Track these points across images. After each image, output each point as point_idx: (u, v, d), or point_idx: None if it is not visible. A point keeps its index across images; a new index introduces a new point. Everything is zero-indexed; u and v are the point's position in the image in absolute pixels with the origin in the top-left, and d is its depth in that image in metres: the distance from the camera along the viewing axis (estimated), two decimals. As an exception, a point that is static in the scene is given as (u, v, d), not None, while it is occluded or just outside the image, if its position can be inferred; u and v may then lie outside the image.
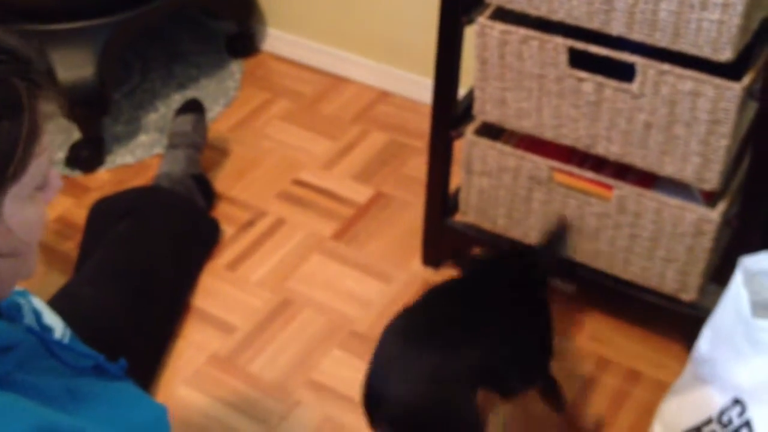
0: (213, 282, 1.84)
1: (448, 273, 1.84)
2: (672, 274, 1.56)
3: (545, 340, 1.47)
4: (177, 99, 2.30)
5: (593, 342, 1.70)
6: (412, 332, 1.34)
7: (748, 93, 1.36)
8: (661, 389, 1.56)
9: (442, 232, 1.80)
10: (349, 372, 1.66)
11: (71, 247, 1.91)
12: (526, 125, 1.56)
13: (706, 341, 1.36)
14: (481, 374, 1.33)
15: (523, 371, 1.45)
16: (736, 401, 1.27)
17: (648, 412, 1.53)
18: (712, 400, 1.32)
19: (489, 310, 1.38)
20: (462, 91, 1.67)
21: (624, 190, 1.53)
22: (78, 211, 2.00)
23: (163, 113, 2.26)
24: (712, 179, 1.43)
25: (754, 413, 1.24)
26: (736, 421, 1.26)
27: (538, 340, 1.46)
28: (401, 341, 1.32)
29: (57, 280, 1.75)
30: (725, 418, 1.29)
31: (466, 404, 1.30)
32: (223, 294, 1.81)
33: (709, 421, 1.32)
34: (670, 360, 1.66)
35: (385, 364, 1.31)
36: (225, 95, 2.33)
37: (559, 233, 1.57)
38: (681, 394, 1.42)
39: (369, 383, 1.32)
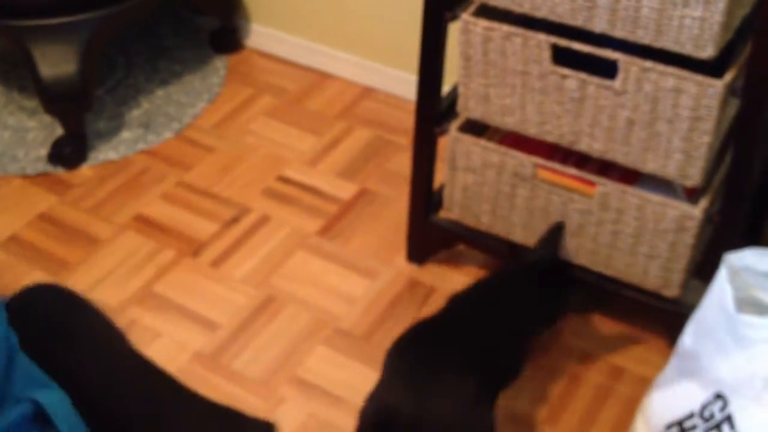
0: (196, 279, 1.83)
1: (432, 269, 1.84)
2: (655, 270, 1.57)
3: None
4: (160, 95, 2.29)
5: (576, 338, 1.71)
6: (429, 350, 1.34)
7: (730, 90, 1.37)
8: (644, 385, 1.57)
9: (427, 228, 1.80)
10: (334, 369, 1.66)
11: (54, 245, 1.90)
12: (510, 122, 1.56)
13: (689, 336, 1.37)
14: (497, 389, 1.37)
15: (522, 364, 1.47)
16: (718, 396, 1.28)
17: (631, 408, 1.54)
18: (695, 395, 1.33)
19: (501, 323, 1.42)
20: (446, 88, 1.67)
21: (607, 186, 1.53)
22: (61, 208, 1.99)
23: (146, 109, 2.25)
24: (694, 175, 1.44)
25: (735, 408, 1.24)
26: (718, 416, 1.27)
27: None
28: (416, 360, 1.33)
29: (39, 278, 1.74)
30: (707, 413, 1.29)
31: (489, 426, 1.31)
32: (207, 291, 1.81)
33: (691, 416, 1.33)
34: (653, 355, 1.67)
35: (400, 383, 1.31)
36: (209, 91, 2.32)
37: (554, 236, 1.58)
38: (663, 389, 1.43)
39: (380, 399, 1.32)
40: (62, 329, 1.31)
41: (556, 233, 1.59)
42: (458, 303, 1.47)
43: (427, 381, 1.30)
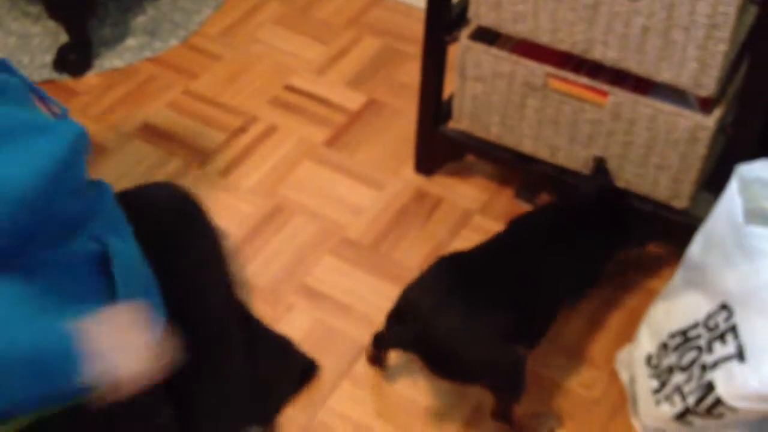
0: (204, 189, 1.83)
1: (440, 181, 1.83)
2: (665, 182, 1.56)
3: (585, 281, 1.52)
4: (166, 1, 2.24)
5: (584, 249, 1.71)
6: (470, 271, 1.36)
7: (749, -4, 1.34)
8: (650, 295, 1.58)
9: (435, 139, 1.78)
10: (341, 278, 1.67)
11: (61, 152, 1.89)
12: (522, 29, 1.52)
13: (697, 247, 1.37)
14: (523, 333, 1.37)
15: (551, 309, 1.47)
16: (724, 306, 1.29)
17: (637, 318, 1.55)
18: (700, 305, 1.34)
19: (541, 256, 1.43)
20: (457, -6, 1.63)
21: (619, 96, 1.51)
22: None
23: (151, 15, 2.21)
24: (708, 85, 1.41)
25: (740, 318, 1.25)
26: (722, 326, 1.28)
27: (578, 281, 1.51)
28: (456, 276, 1.34)
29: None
30: (712, 323, 1.30)
31: (496, 341, 1.32)
32: (215, 201, 1.80)
33: (695, 325, 1.34)
34: (660, 267, 1.67)
35: (432, 290, 1.33)
36: (215, -2, 2.27)
37: (600, 173, 1.58)
38: (670, 299, 1.43)
39: (408, 300, 1.33)
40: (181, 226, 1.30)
41: (602, 168, 1.58)
42: (515, 238, 1.48)
43: (456, 298, 1.32)
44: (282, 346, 1.46)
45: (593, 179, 1.58)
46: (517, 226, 1.52)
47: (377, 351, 1.47)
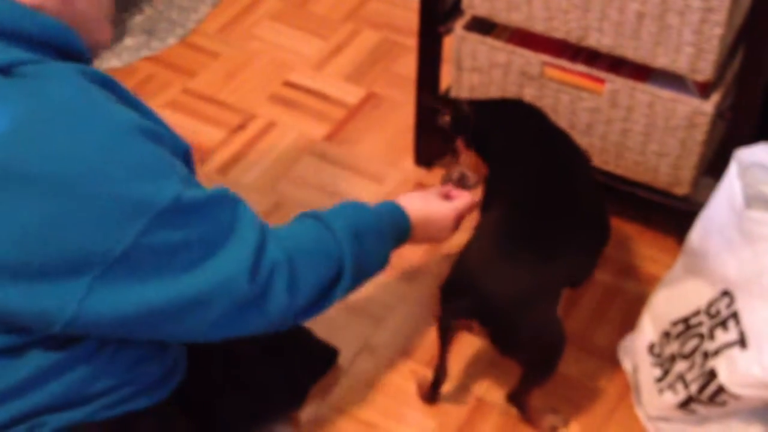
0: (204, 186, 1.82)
1: (440, 173, 1.82)
2: (665, 168, 1.55)
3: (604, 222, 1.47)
4: (163, 0, 2.24)
5: (586, 238, 1.70)
6: (510, 233, 1.33)
7: (744, -21, 1.32)
8: (652, 283, 1.57)
9: (434, 131, 1.77)
10: (341, 272, 1.66)
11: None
12: (516, 18, 1.51)
13: (698, 233, 1.36)
14: (569, 276, 1.35)
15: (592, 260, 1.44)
16: (725, 293, 1.28)
17: (639, 306, 1.54)
18: (702, 292, 1.33)
19: (572, 205, 1.38)
20: (451, -15, 1.62)
21: (616, 83, 1.50)
22: (66, 118, 1.98)
23: (148, 15, 2.21)
24: (705, 69, 1.40)
25: (741, 305, 1.24)
26: (724, 313, 1.27)
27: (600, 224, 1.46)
28: (501, 238, 1.32)
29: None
30: (713, 310, 1.29)
31: (553, 311, 1.31)
32: (215, 198, 1.80)
33: (697, 312, 1.33)
34: (662, 254, 1.66)
35: (482, 257, 1.31)
36: (212, -5, 2.27)
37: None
38: (671, 287, 1.43)
39: (463, 269, 1.32)
40: None
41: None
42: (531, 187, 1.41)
43: (502, 261, 1.30)
44: (299, 334, 1.46)
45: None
46: (516, 171, 1.44)
47: (443, 333, 1.37)
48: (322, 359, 1.48)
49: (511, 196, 1.38)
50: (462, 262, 1.33)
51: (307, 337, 1.46)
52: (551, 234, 1.33)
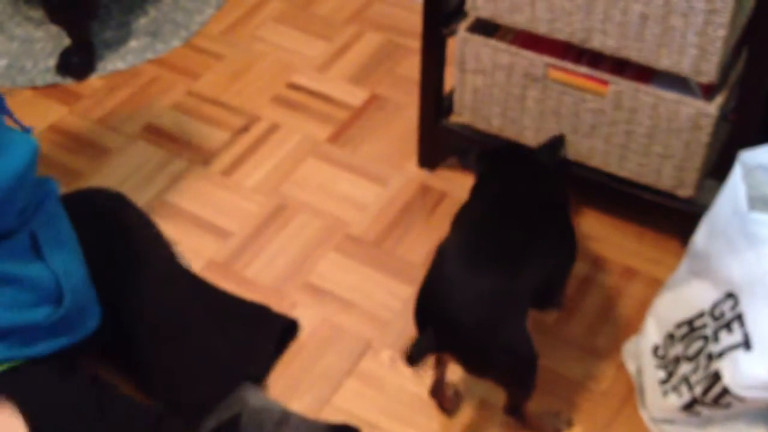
0: (208, 188, 1.83)
1: (443, 175, 1.83)
2: (669, 171, 1.54)
3: (571, 241, 1.47)
4: (167, 1, 2.25)
5: (589, 240, 1.69)
6: (471, 250, 1.31)
7: (748, -20, 1.32)
8: (656, 286, 1.57)
9: (438, 133, 1.77)
10: (345, 274, 1.66)
11: (66, 156, 1.90)
12: (520, 20, 1.51)
13: (702, 236, 1.35)
14: (535, 293, 1.34)
15: (560, 278, 1.45)
16: (729, 295, 1.27)
17: (643, 308, 1.54)
18: (706, 294, 1.32)
19: (535, 223, 1.37)
20: (455, -13, 1.62)
21: (620, 85, 1.49)
22: (71, 119, 1.98)
23: (153, 17, 2.21)
24: (709, 71, 1.40)
25: (746, 307, 1.24)
26: (728, 315, 1.26)
27: (567, 243, 1.46)
28: (461, 259, 1.30)
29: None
30: (717, 312, 1.29)
31: (522, 329, 1.30)
32: (219, 200, 1.81)
33: (701, 315, 1.32)
34: (666, 257, 1.66)
35: (444, 281, 1.29)
36: (216, -3, 2.27)
37: (556, 142, 1.54)
38: (675, 289, 1.42)
39: (427, 297, 1.30)
40: (113, 226, 1.54)
41: (555, 142, 1.54)
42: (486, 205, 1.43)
43: (464, 282, 1.27)
44: (257, 310, 1.56)
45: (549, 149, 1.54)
46: (483, 199, 1.45)
47: (410, 364, 1.33)
48: (281, 328, 1.54)
49: (470, 217, 1.38)
50: (424, 291, 1.31)
51: (265, 310, 1.56)
52: (510, 250, 1.31)
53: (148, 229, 1.62)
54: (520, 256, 1.31)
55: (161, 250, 1.60)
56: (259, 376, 1.49)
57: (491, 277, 1.27)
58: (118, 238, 1.53)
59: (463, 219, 1.41)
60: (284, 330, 1.55)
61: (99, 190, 1.64)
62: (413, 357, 1.27)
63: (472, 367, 1.31)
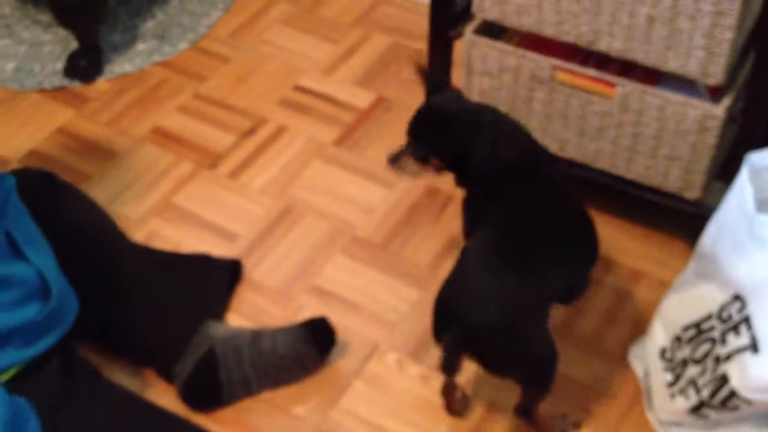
0: (215, 190, 1.83)
1: (450, 177, 1.82)
2: (676, 173, 1.54)
3: (592, 239, 1.47)
4: (174, 5, 2.25)
5: (596, 242, 1.69)
6: (494, 252, 1.32)
7: (755, -18, 1.32)
8: (663, 288, 1.56)
9: (444, 135, 1.77)
10: (352, 277, 1.66)
11: (73, 158, 1.90)
12: (527, 22, 1.51)
13: (709, 238, 1.35)
14: (556, 292, 1.35)
15: (583, 275, 1.45)
16: (737, 297, 1.27)
17: (650, 311, 1.54)
18: (713, 297, 1.32)
19: (557, 224, 1.37)
20: (461, -11, 1.62)
21: (627, 87, 1.49)
22: (79, 122, 1.99)
23: (160, 20, 2.22)
24: (716, 73, 1.40)
25: (753, 309, 1.23)
26: (736, 317, 1.26)
27: (588, 241, 1.46)
28: (485, 260, 1.31)
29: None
30: (725, 314, 1.29)
31: (544, 328, 1.30)
32: (225, 202, 1.81)
33: (708, 317, 1.32)
34: (673, 259, 1.65)
35: (467, 282, 1.29)
36: (223, 0, 2.28)
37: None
38: (682, 291, 1.42)
39: (449, 297, 1.30)
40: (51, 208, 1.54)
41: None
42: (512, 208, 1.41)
43: (486, 285, 1.28)
44: (201, 259, 1.67)
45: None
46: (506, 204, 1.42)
47: (447, 375, 1.35)
48: (228, 269, 1.65)
49: (493, 219, 1.37)
50: (446, 291, 1.31)
51: (209, 258, 1.66)
52: (533, 252, 1.32)
53: (83, 203, 1.66)
54: (542, 257, 1.32)
55: (100, 221, 1.65)
56: (216, 313, 1.58)
57: (514, 278, 1.28)
58: (55, 218, 1.54)
59: (487, 221, 1.40)
60: (232, 270, 1.66)
61: (26, 170, 1.62)
62: (449, 366, 1.28)
63: (494, 367, 1.31)
